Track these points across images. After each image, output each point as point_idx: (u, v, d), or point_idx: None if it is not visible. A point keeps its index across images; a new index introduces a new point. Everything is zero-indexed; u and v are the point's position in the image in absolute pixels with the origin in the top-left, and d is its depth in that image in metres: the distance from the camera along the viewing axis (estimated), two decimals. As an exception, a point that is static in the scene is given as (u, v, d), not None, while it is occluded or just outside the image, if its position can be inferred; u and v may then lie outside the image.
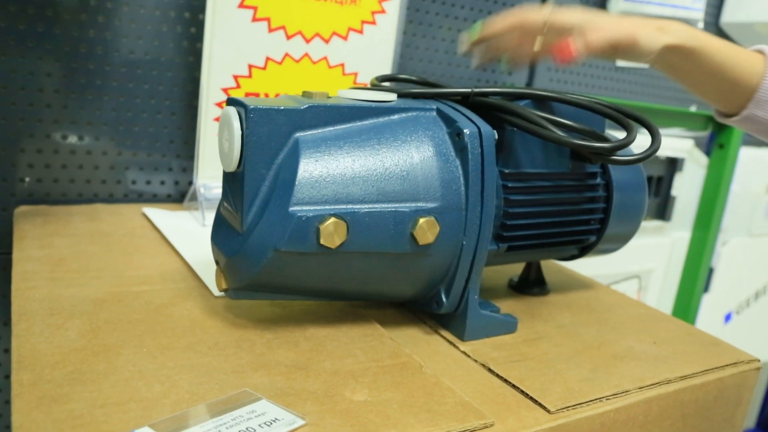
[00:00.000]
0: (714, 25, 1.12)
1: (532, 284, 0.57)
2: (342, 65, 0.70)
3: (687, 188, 1.04)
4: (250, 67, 0.65)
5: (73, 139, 0.65)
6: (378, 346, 0.43)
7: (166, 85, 0.68)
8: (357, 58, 0.70)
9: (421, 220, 0.41)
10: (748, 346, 0.51)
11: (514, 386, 0.40)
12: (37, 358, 0.36)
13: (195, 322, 0.43)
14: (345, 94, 0.45)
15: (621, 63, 1.02)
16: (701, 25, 1.04)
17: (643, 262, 1.02)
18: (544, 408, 0.38)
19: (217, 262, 0.44)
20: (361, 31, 0.69)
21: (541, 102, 0.48)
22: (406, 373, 0.40)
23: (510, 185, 0.47)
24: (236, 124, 0.39)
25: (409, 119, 0.44)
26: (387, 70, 0.72)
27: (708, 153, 1.04)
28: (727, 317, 1.21)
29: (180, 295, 0.47)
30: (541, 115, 0.45)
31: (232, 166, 0.40)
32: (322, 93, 0.43)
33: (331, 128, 0.41)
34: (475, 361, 0.43)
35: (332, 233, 0.39)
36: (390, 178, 0.41)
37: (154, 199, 0.71)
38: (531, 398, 0.39)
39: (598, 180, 0.53)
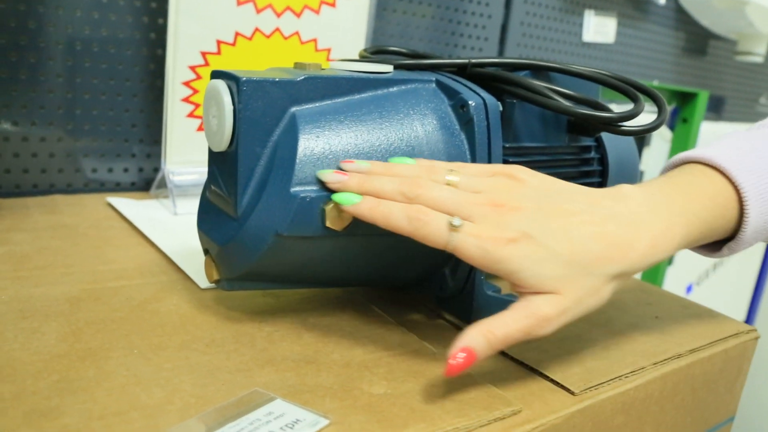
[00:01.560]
0: (674, 1, 1.13)
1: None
2: (315, 41, 0.66)
3: (653, 162, 1.04)
4: (219, 43, 0.61)
5: (24, 125, 0.60)
6: (385, 333, 0.40)
7: (126, 65, 0.63)
8: (330, 32, 0.67)
9: (430, 198, 0.38)
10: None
11: (532, 369, 0.38)
12: (16, 367, 0.32)
13: (185, 317, 0.39)
14: (338, 65, 0.42)
15: (587, 38, 1.02)
16: (662, 1, 1.05)
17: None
18: (568, 390, 0.36)
19: (206, 251, 0.40)
20: (333, 5, 0.66)
21: (540, 72, 0.46)
22: (421, 360, 0.38)
23: (510, 160, 0.45)
24: (227, 99, 0.36)
25: (409, 91, 0.41)
26: (360, 45, 0.69)
27: (672, 127, 1.05)
28: (689, 288, 1.24)
29: (163, 290, 0.43)
30: (546, 85, 0.43)
31: (223, 145, 0.37)
32: (315, 64, 0.40)
33: (329, 101, 0.38)
34: (486, 344, 0.41)
35: (338, 215, 0.36)
36: (395, 154, 0.38)
37: (118, 188, 0.66)
38: (552, 381, 0.37)
39: (593, 153, 0.51)
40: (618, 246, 0.34)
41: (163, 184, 0.62)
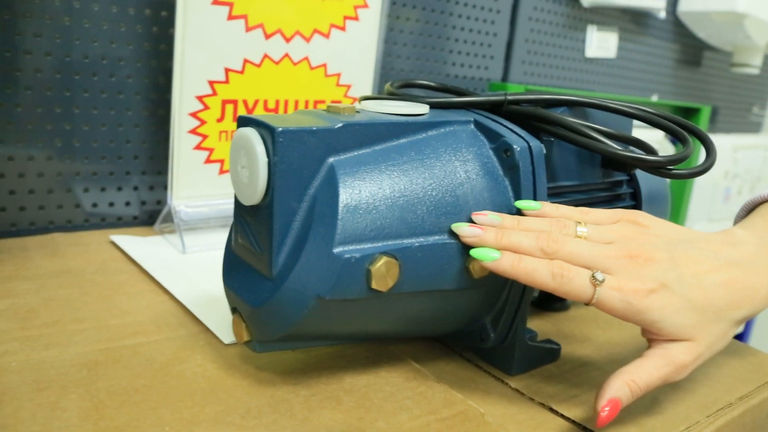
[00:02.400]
0: (672, 14, 1.12)
1: (553, 299, 0.54)
2: (324, 66, 0.63)
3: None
4: (227, 71, 0.58)
5: (21, 160, 0.56)
6: (427, 392, 0.38)
7: (127, 94, 0.60)
8: (339, 57, 0.64)
9: (477, 252, 0.36)
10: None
11: (585, 428, 0.36)
12: (39, 455, 0.29)
13: (214, 382, 0.37)
14: (369, 106, 0.39)
15: (590, 54, 1.01)
16: (663, 14, 1.04)
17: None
18: (628, 454, 0.34)
19: (234, 309, 0.37)
20: (343, 28, 0.63)
21: (576, 108, 0.44)
22: (470, 425, 0.35)
23: (549, 200, 0.43)
24: (260, 149, 0.33)
25: (448, 134, 0.39)
26: (370, 70, 0.67)
27: (674, 142, 1.04)
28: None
29: (184, 347, 0.40)
30: (588, 125, 0.41)
31: (255, 199, 0.34)
32: (349, 107, 0.37)
33: (367, 149, 0.36)
34: (532, 399, 0.39)
35: (384, 275, 0.33)
36: (440, 205, 0.36)
37: (119, 222, 0.63)
38: (609, 443, 0.35)
39: (625, 188, 0.49)
40: (744, 291, 0.36)
41: (168, 219, 0.59)
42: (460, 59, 0.85)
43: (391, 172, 0.35)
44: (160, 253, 0.55)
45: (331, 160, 0.35)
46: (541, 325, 0.50)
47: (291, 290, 0.33)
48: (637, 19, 1.07)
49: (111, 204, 0.62)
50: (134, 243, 0.57)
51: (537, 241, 0.35)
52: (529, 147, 0.38)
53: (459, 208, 0.36)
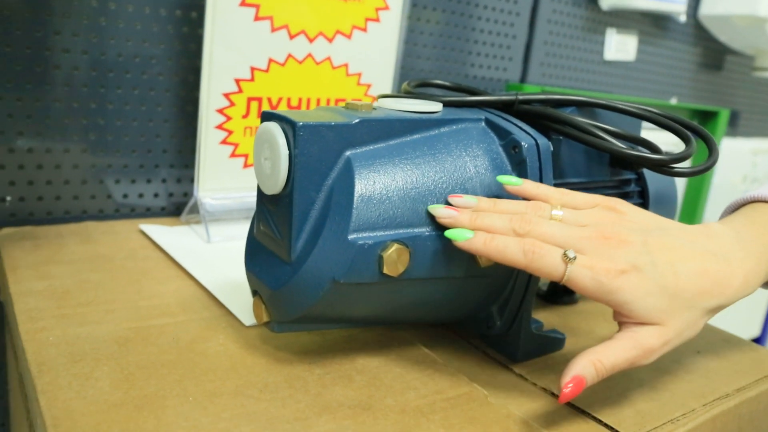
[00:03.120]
0: (693, 17, 1.13)
1: (561, 293, 0.56)
2: (346, 65, 0.66)
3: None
4: (253, 69, 0.60)
5: (57, 152, 0.59)
6: (435, 374, 0.40)
7: (158, 90, 0.63)
8: (361, 57, 0.67)
9: (484, 242, 0.38)
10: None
11: (584, 412, 0.38)
12: (75, 419, 0.32)
13: (234, 359, 0.39)
14: (387, 103, 0.42)
15: (608, 57, 1.02)
16: (683, 18, 1.05)
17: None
18: (624, 437, 0.36)
19: (254, 292, 0.40)
20: (364, 29, 0.66)
21: (585, 108, 0.46)
22: (474, 405, 0.37)
23: (557, 197, 0.45)
24: (282, 142, 0.36)
25: (460, 131, 0.41)
26: (390, 70, 0.69)
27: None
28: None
29: (208, 328, 0.43)
30: (595, 124, 0.42)
31: (277, 189, 0.37)
32: (367, 104, 0.40)
33: (382, 144, 0.38)
34: (534, 384, 0.41)
35: (395, 261, 0.35)
36: (449, 196, 0.38)
37: (148, 213, 0.66)
38: (606, 425, 0.37)
39: (633, 186, 0.51)
40: (717, 282, 0.36)
41: (194, 210, 0.62)
42: (479, 60, 0.87)
43: (404, 166, 0.38)
44: (186, 242, 0.58)
45: (348, 153, 0.37)
46: (548, 317, 0.52)
47: (308, 274, 0.36)
48: (657, 22, 1.07)
49: (140, 195, 0.65)
50: (162, 232, 0.60)
51: (510, 222, 0.35)
52: (537, 144, 0.40)
53: (467, 201, 0.38)
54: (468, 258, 0.38)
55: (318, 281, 0.36)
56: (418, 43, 0.80)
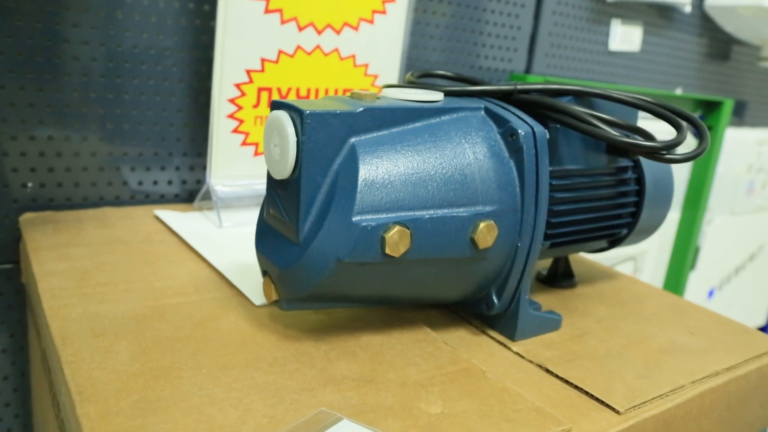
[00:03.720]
0: (698, 8, 1.14)
1: (561, 277, 0.57)
2: (353, 57, 0.68)
3: (677, 170, 1.06)
4: (263, 61, 0.62)
5: (76, 140, 0.62)
6: (435, 351, 0.42)
7: (172, 81, 0.65)
8: (367, 49, 0.68)
9: (481, 224, 0.40)
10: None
11: (576, 387, 0.40)
12: (97, 387, 0.34)
13: (245, 335, 0.41)
14: (390, 93, 0.44)
15: (613, 47, 1.03)
16: (689, 8, 1.06)
17: (639, 245, 1.03)
18: (613, 409, 0.38)
19: (264, 272, 0.42)
20: (371, 21, 0.67)
21: (582, 97, 0.48)
22: (472, 379, 0.39)
23: (554, 183, 0.47)
24: (290, 130, 0.38)
25: (460, 119, 0.43)
26: (397, 61, 0.71)
27: (696, 136, 1.05)
28: (710, 293, 1.25)
29: (220, 307, 0.45)
30: (590, 112, 0.44)
31: (285, 174, 0.39)
32: (371, 93, 0.42)
33: (385, 131, 0.40)
34: (531, 362, 0.43)
35: (397, 242, 0.38)
36: (449, 182, 0.40)
37: (162, 199, 0.68)
38: (597, 399, 0.39)
39: (630, 174, 0.53)
40: None
41: (206, 197, 0.65)
42: (484, 51, 0.88)
43: (406, 152, 0.40)
44: (198, 227, 0.60)
45: (352, 140, 0.39)
46: (548, 300, 0.53)
47: (315, 254, 0.38)
48: (663, 12, 1.08)
49: (155, 182, 0.67)
50: (176, 217, 0.62)
51: None
52: (533, 132, 0.42)
53: (466, 186, 0.40)
54: (467, 240, 0.40)
55: (324, 261, 0.38)
56: (425, 35, 0.81)
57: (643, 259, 1.04)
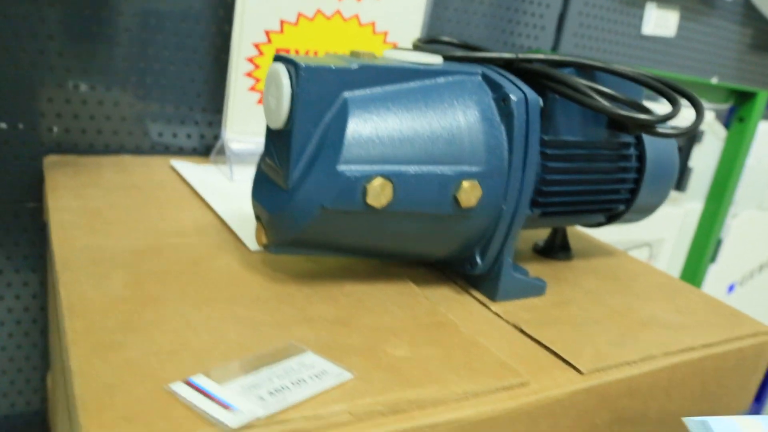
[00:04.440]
0: (740, -4, 1.11)
1: (557, 249, 0.58)
2: (373, 24, 0.69)
3: (704, 160, 1.04)
4: (282, 22, 0.64)
5: (100, 90, 0.65)
6: (414, 304, 0.44)
7: (195, 38, 0.68)
8: (388, 16, 0.69)
9: (465, 184, 0.41)
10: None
11: (546, 347, 0.41)
12: (87, 306, 0.37)
13: (234, 275, 0.44)
14: (391, 54, 0.45)
15: (646, 31, 1.01)
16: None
17: (655, 231, 1.02)
18: (577, 369, 0.39)
19: (258, 218, 0.44)
20: (392, -11, 0.68)
21: (584, 70, 0.48)
22: (443, 331, 0.41)
23: (548, 152, 0.47)
24: (285, 82, 0.39)
25: (455, 83, 0.44)
26: (417, 30, 0.72)
27: (727, 126, 1.03)
28: (731, 288, 1.23)
29: (216, 249, 0.48)
30: (587, 84, 0.45)
31: (279, 123, 0.40)
32: (370, 53, 0.43)
33: (379, 89, 0.41)
34: (507, 321, 0.44)
35: (379, 193, 0.39)
36: (436, 141, 0.41)
37: (180, 152, 0.71)
38: (563, 359, 0.40)
39: (632, 150, 0.53)
40: None
41: (221, 152, 0.67)
42: (510, 27, 0.88)
43: (396, 109, 0.41)
44: (211, 178, 0.63)
45: (345, 94, 0.40)
46: (540, 269, 0.54)
47: (301, 200, 0.40)
48: (703, -1, 1.06)
49: (174, 135, 0.70)
50: (190, 168, 0.65)
51: None
52: (526, 98, 0.43)
53: (454, 145, 0.42)
54: (450, 198, 0.41)
55: (309, 207, 0.40)
56: (449, 7, 0.82)
57: (659, 246, 1.04)
